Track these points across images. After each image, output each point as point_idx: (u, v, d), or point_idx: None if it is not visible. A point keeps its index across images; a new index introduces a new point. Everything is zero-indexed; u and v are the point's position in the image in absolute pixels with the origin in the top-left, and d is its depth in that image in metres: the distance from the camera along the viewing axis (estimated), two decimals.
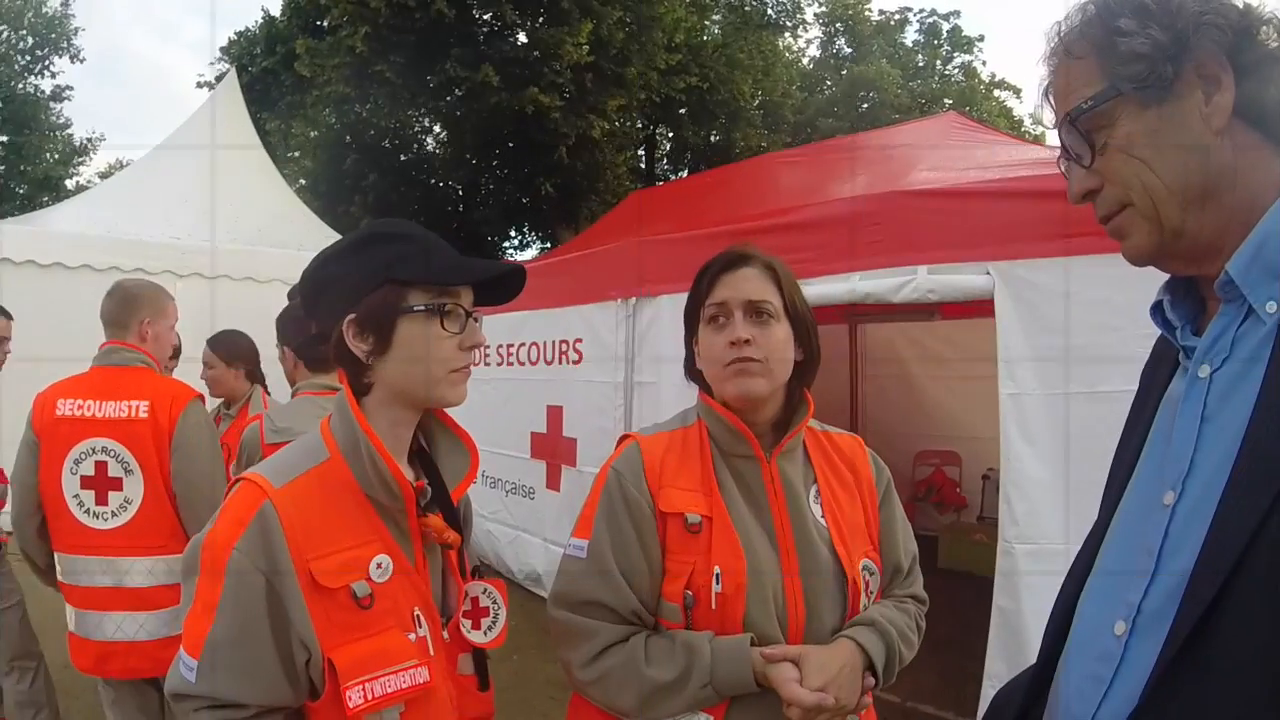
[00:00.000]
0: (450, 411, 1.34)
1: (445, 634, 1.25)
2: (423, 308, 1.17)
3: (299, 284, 1.27)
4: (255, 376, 3.48)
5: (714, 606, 1.30)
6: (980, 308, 3.37)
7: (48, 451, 2.48)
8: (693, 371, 1.50)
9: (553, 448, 5.14)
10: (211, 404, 3.83)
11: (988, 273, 2.95)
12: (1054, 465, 2.78)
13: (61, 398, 2.50)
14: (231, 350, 3.39)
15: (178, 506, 2.48)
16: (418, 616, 1.19)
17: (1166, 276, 0.94)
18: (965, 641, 3.01)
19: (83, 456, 2.45)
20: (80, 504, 2.46)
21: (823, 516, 1.42)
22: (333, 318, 1.19)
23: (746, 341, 1.34)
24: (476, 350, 1.24)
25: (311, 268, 1.24)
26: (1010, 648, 2.76)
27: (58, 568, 2.54)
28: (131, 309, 2.58)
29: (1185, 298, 0.93)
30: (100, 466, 2.45)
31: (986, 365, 2.95)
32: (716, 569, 1.31)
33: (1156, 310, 0.94)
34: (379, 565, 1.15)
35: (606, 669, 1.33)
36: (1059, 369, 2.81)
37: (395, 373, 1.19)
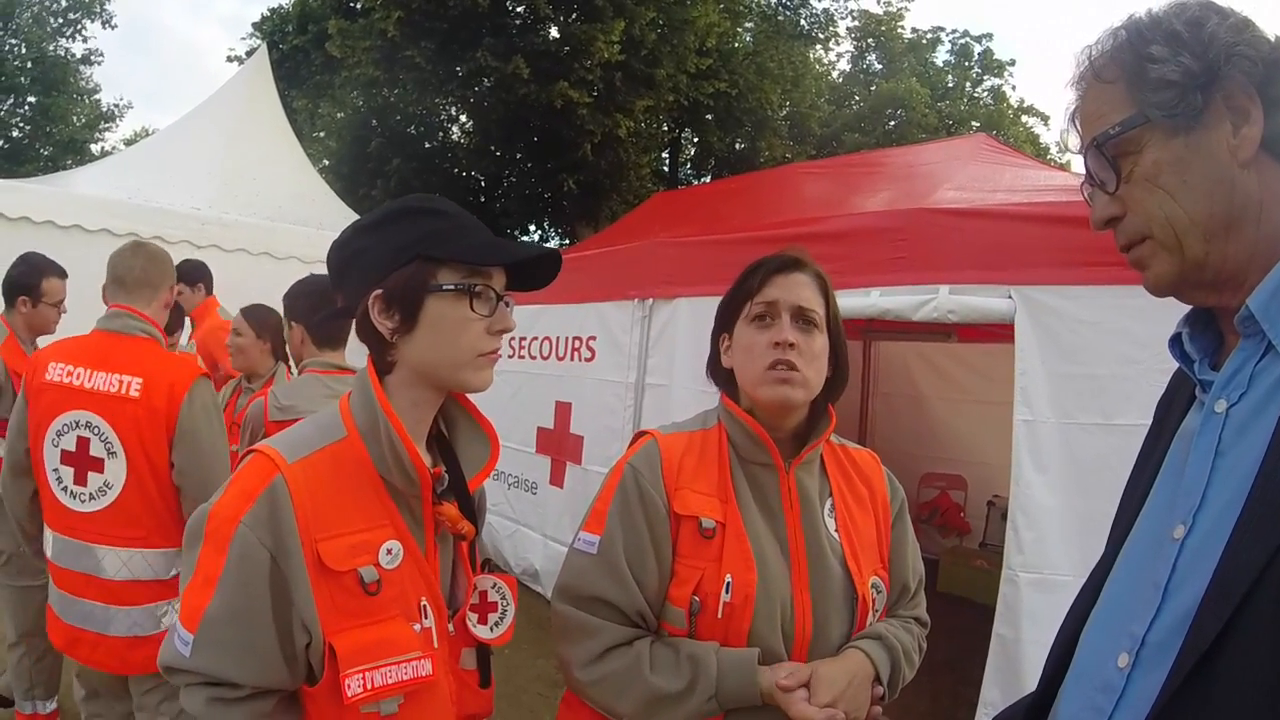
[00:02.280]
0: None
1: (451, 627, 1.22)
2: (452, 287, 1.13)
3: (328, 255, 1.22)
4: (280, 354, 3.47)
5: (720, 615, 1.28)
6: (997, 333, 3.34)
7: (33, 417, 2.33)
8: (717, 370, 1.47)
9: (559, 444, 5.11)
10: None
11: (1010, 296, 2.92)
12: (1064, 495, 2.75)
13: (54, 360, 2.32)
14: (264, 323, 3.36)
15: (180, 500, 2.30)
16: (424, 607, 1.16)
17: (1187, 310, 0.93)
18: (960, 666, 3.00)
19: (65, 429, 2.27)
20: (59, 480, 2.29)
21: (836, 531, 1.40)
22: (359, 292, 1.15)
23: (791, 345, 1.32)
24: (506, 335, 1.20)
25: (342, 238, 1.21)
26: (1007, 676, 2.73)
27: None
28: (163, 272, 2.45)
29: (1204, 331, 0.92)
30: (82, 443, 2.26)
31: (999, 390, 2.93)
32: (728, 578, 1.29)
33: (1175, 343, 0.93)
34: (389, 551, 1.12)
35: (608, 672, 1.31)
36: (1075, 398, 2.77)
37: (420, 353, 1.15)
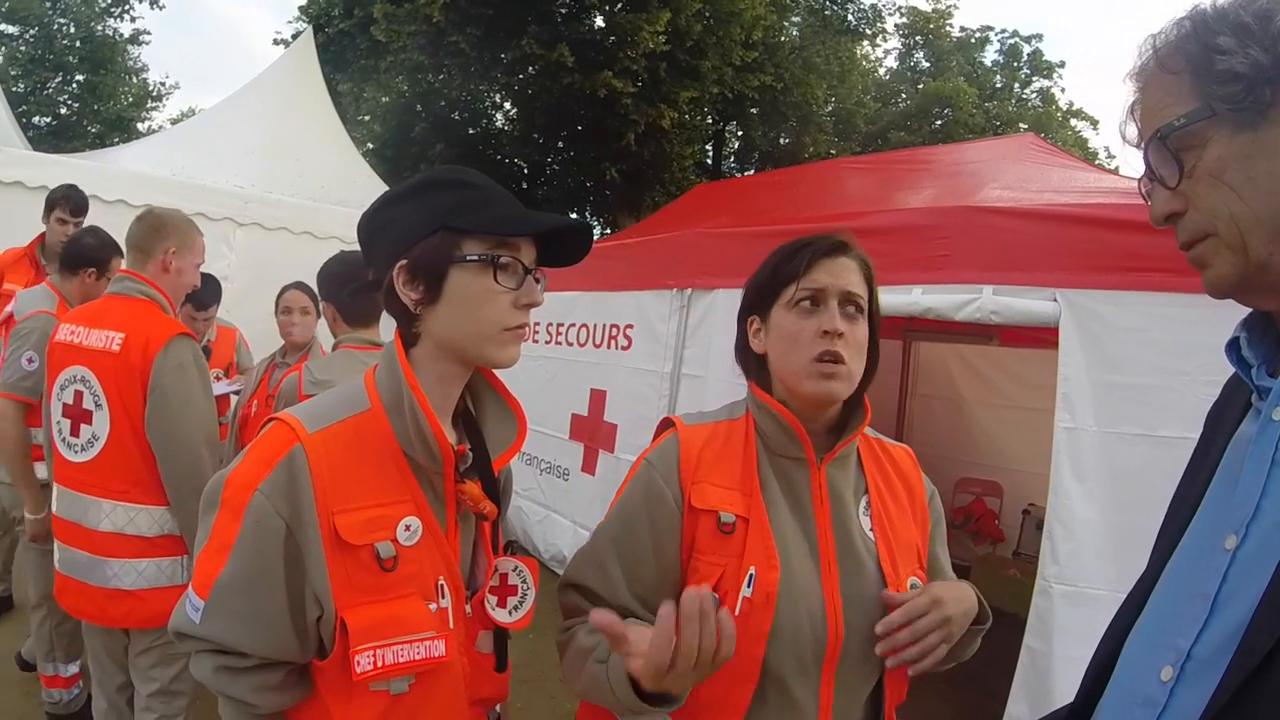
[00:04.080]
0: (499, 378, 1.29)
1: (468, 608, 1.20)
2: (476, 258, 1.10)
3: (358, 226, 1.21)
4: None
5: (739, 613, 1.21)
6: (1040, 337, 3.26)
7: (49, 375, 2.46)
8: (746, 355, 1.39)
9: (592, 431, 5.11)
10: (260, 351, 3.90)
11: (1055, 299, 2.84)
12: (1103, 507, 2.66)
13: (67, 322, 2.46)
14: (314, 299, 3.33)
15: (156, 458, 2.34)
16: (441, 586, 1.14)
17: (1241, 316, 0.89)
18: (986, 678, 2.92)
19: (66, 383, 2.39)
20: (60, 432, 2.40)
21: (871, 530, 1.33)
22: (386, 263, 1.13)
23: (840, 335, 1.25)
24: (533, 310, 1.16)
25: (371, 209, 1.19)
26: (1036, 691, 2.65)
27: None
28: (159, 236, 2.47)
29: (1263, 336, 0.87)
30: (78, 396, 2.37)
31: (1039, 397, 2.86)
32: (751, 570, 1.22)
33: (1232, 347, 0.89)
34: (407, 527, 1.10)
35: (566, 648, 1.28)
36: (1118, 407, 2.69)
37: (443, 325, 1.13)
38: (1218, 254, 0.82)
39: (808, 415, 1.31)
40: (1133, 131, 0.88)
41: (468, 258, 1.10)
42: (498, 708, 1.35)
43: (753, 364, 1.38)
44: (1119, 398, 2.69)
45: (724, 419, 1.38)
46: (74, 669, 3.12)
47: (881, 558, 1.31)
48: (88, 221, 3.56)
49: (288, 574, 1.06)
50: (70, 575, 2.40)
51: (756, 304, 1.37)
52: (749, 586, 1.22)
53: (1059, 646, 2.61)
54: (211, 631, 1.07)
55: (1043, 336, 2.94)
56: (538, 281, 1.17)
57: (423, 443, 1.11)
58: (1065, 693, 2.69)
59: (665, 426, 1.40)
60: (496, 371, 1.27)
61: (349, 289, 2.33)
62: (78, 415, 2.37)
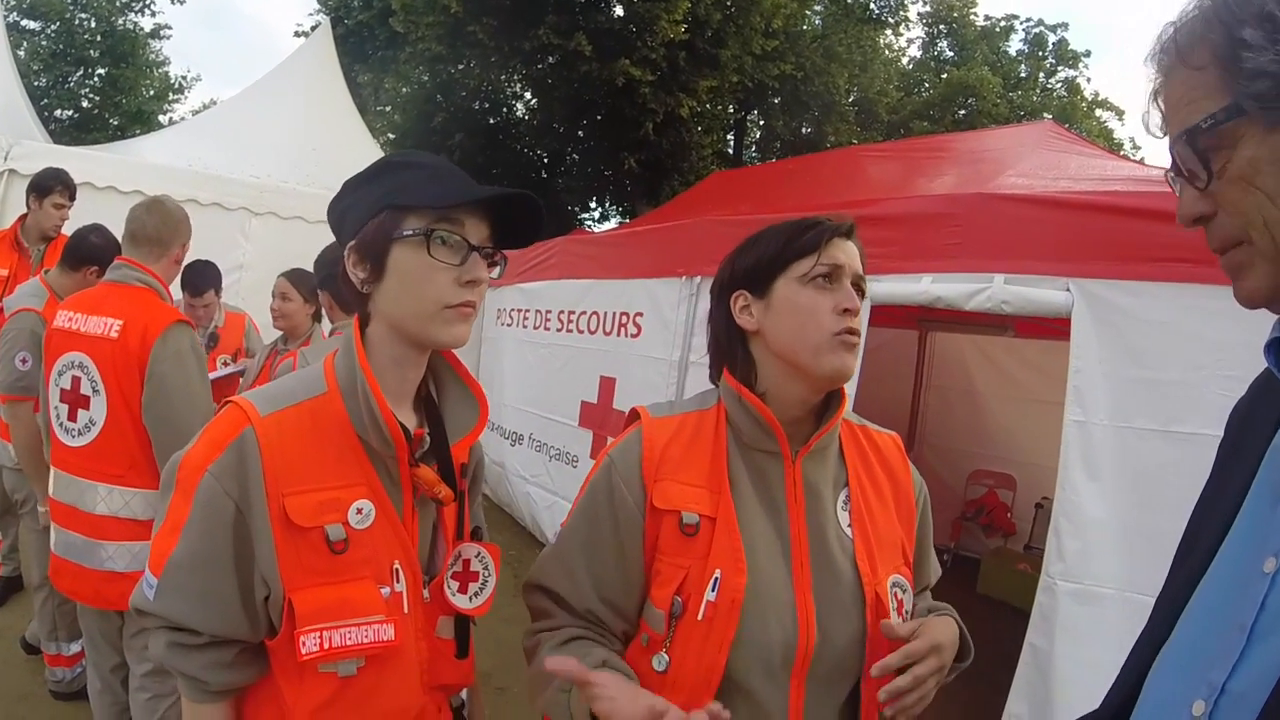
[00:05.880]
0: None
1: (426, 593, 1.19)
2: (411, 233, 1.08)
3: (327, 216, 1.22)
4: (318, 317, 3.51)
5: (701, 617, 1.15)
6: (1056, 328, 3.17)
7: (46, 363, 2.48)
8: (730, 336, 1.31)
9: (601, 418, 5.11)
10: (268, 337, 3.91)
11: (1068, 289, 2.75)
12: (1116, 503, 2.58)
13: (64, 309, 2.47)
14: (311, 289, 3.36)
15: (152, 443, 2.37)
16: (397, 571, 1.13)
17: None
18: (994, 675, 2.85)
19: (64, 369, 2.41)
20: (57, 416, 2.43)
21: (849, 527, 1.26)
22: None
23: (856, 313, 1.21)
24: (479, 287, 1.13)
25: (335, 198, 1.20)
26: (1037, 690, 2.59)
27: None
28: (177, 232, 2.53)
29: None
30: (75, 381, 2.40)
31: (1055, 390, 2.77)
32: (717, 573, 1.16)
33: (1271, 348, 0.81)
34: (359, 511, 1.10)
35: (532, 655, 1.25)
36: (1132, 401, 2.60)
37: (389, 303, 1.12)
38: (1252, 263, 0.75)
39: (797, 399, 1.25)
40: (1156, 119, 0.81)
41: (405, 234, 1.09)
42: (463, 693, 1.33)
43: (736, 345, 1.31)
44: (1132, 391, 2.61)
45: (694, 409, 1.32)
46: (76, 648, 3.15)
47: (859, 557, 1.25)
48: (103, 212, 3.57)
49: (237, 554, 1.07)
50: (66, 558, 2.43)
51: (749, 279, 1.29)
52: (713, 590, 1.16)
53: (1061, 645, 2.54)
54: (164, 609, 1.08)
55: (1059, 327, 2.86)
56: (495, 262, 1.15)
57: (375, 426, 1.10)
58: (1067, 692, 2.63)
59: (633, 419, 1.35)
60: (457, 354, 1.26)
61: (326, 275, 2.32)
62: (75, 400, 2.39)
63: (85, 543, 2.39)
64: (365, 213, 1.12)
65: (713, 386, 1.37)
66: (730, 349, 1.32)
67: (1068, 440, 2.68)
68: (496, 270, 1.16)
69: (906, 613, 1.27)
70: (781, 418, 1.25)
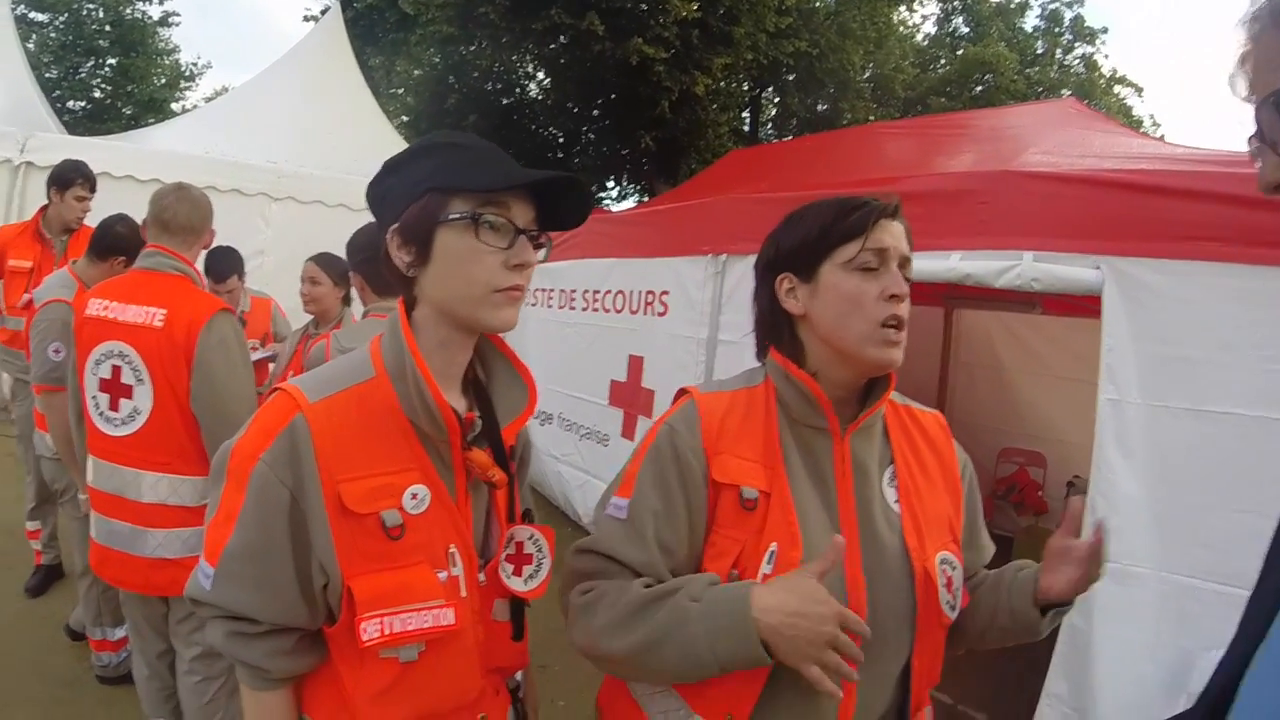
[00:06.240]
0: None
1: (482, 576, 1.19)
2: (458, 216, 1.07)
3: (366, 197, 1.21)
4: (348, 299, 3.53)
5: None
6: (1084, 306, 3.15)
7: (79, 352, 2.47)
8: (776, 318, 1.31)
9: (631, 397, 5.13)
10: (294, 321, 3.94)
11: (1098, 267, 2.72)
12: (1149, 482, 2.56)
13: (95, 297, 2.46)
14: (341, 272, 3.39)
15: (201, 430, 2.38)
16: (453, 554, 1.13)
17: None
18: (1026, 653, 2.85)
19: (102, 359, 2.40)
20: (96, 406, 2.42)
21: (896, 503, 1.28)
22: (387, 230, 1.13)
23: (904, 298, 1.19)
24: (527, 270, 1.12)
25: (373, 180, 1.19)
26: (1075, 669, 2.58)
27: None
28: (207, 218, 2.54)
29: None
30: (116, 370, 2.39)
31: (1083, 368, 2.76)
32: (773, 547, 1.17)
33: None
34: (414, 495, 1.10)
35: (598, 594, 1.21)
36: (1165, 379, 2.58)
37: (435, 288, 1.11)
38: None
39: (844, 381, 1.25)
40: (1242, 86, 0.79)
41: (451, 217, 1.08)
42: (517, 675, 1.35)
43: (783, 327, 1.31)
44: (1165, 370, 2.58)
45: (742, 387, 1.32)
46: (121, 633, 3.19)
47: (906, 532, 1.26)
48: (121, 202, 3.59)
49: (293, 542, 1.07)
50: (111, 546, 2.44)
51: (794, 261, 1.28)
52: (769, 563, 1.17)
53: (1099, 625, 2.53)
54: (221, 598, 1.09)
55: (1087, 305, 2.82)
56: (540, 244, 1.14)
57: (425, 409, 1.10)
58: (1105, 671, 2.63)
59: (680, 396, 1.35)
60: (505, 338, 1.25)
61: (373, 257, 2.33)
62: (117, 389, 2.39)
63: (131, 530, 2.40)
64: (407, 195, 1.11)
65: (758, 364, 1.37)
66: (777, 330, 1.32)
67: (1102, 419, 2.66)
68: (542, 253, 1.15)
69: (956, 590, 1.28)
70: (829, 397, 1.25)
